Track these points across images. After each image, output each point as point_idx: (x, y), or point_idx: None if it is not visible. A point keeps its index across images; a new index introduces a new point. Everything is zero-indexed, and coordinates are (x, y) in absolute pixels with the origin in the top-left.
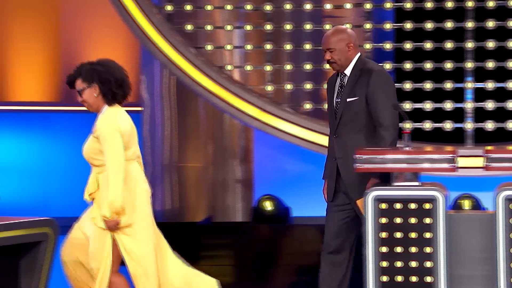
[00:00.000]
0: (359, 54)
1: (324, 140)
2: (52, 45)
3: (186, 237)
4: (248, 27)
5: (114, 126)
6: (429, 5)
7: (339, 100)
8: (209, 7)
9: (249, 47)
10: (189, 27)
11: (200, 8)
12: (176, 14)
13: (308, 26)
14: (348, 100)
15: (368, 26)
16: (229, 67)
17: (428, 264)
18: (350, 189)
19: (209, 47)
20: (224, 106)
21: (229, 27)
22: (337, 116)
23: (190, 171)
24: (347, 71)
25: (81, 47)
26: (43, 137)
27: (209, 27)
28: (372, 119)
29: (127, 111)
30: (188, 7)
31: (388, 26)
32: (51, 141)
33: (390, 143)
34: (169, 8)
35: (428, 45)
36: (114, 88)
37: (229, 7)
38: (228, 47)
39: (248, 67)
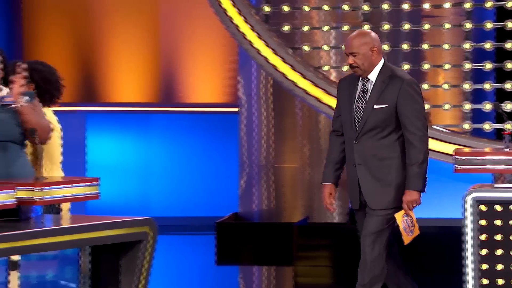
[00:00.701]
0: (383, 60)
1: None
2: (152, 45)
3: (283, 237)
4: (345, 28)
5: (58, 128)
6: None
7: (362, 105)
8: (306, 8)
9: None
10: (286, 28)
11: (297, 9)
12: (273, 15)
13: (406, 26)
14: (375, 107)
15: (468, 25)
16: (326, 68)
17: None
18: (367, 197)
19: (306, 48)
20: (320, 106)
21: (326, 28)
22: (357, 121)
23: (286, 172)
24: (371, 76)
25: (179, 48)
26: (143, 138)
27: (306, 28)
28: (399, 128)
29: (224, 111)
30: (285, 8)
31: (488, 25)
32: (151, 141)
33: (424, 154)
34: (266, 9)
35: None
36: (53, 89)
37: (326, 7)
38: (325, 47)
39: (345, 68)
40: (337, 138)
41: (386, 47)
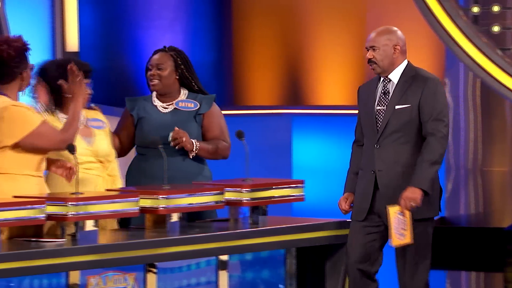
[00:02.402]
0: (407, 61)
1: None
2: (359, 47)
3: (492, 242)
4: None
5: None
6: None
7: (383, 107)
8: None
9: None
10: (495, 28)
11: (508, 9)
12: (482, 16)
13: None
14: (397, 107)
15: None
16: None
17: None
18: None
19: None
20: None
21: None
22: (379, 124)
23: (495, 175)
24: (393, 77)
25: None
26: (348, 141)
27: None
28: (421, 131)
29: None
30: (496, 8)
31: None
32: None
33: (440, 156)
34: (475, 9)
35: None
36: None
37: None
38: None
39: None
40: (358, 148)
41: None
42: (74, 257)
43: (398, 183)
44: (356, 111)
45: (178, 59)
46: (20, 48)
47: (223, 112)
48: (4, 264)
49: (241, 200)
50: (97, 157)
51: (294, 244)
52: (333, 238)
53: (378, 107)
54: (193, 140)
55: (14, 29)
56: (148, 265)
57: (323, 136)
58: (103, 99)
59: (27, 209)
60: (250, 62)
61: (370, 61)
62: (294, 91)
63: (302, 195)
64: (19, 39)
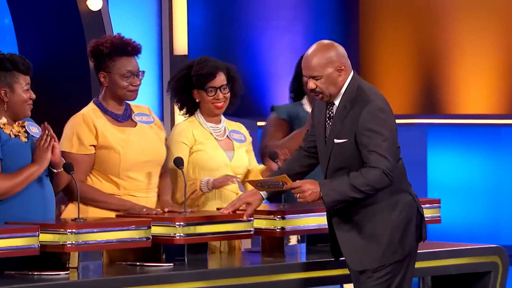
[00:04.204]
0: (351, 75)
1: None
2: (505, 49)
3: None
4: None
5: None
6: None
7: (327, 137)
8: None
9: None
10: None
11: None
12: None
13: None
14: (336, 141)
15: None
16: None
17: None
18: (346, 254)
19: None
20: None
21: None
22: (323, 156)
23: None
24: (336, 100)
25: None
26: (492, 154)
27: None
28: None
29: None
30: None
31: None
32: (502, 158)
33: (371, 189)
34: None
35: None
36: None
37: None
38: None
39: None
40: (301, 152)
41: None
42: (183, 284)
43: (354, 225)
44: (499, 121)
45: None
46: (91, 50)
47: None
48: None
49: None
50: (236, 173)
51: (428, 272)
52: (474, 266)
53: (325, 135)
54: None
55: (118, 31)
56: None
57: (463, 149)
58: None
59: (131, 230)
60: (379, 66)
61: (313, 91)
62: (430, 99)
63: (438, 216)
64: (96, 41)
